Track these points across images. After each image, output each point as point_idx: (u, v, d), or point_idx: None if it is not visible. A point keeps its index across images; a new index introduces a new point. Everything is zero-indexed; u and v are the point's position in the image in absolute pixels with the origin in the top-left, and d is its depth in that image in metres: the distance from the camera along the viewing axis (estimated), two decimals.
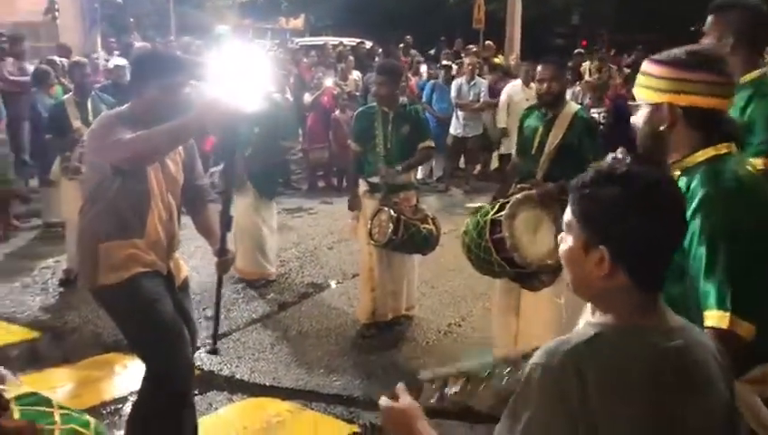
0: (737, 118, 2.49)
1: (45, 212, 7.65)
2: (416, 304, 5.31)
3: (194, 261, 5.91)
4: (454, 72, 10.31)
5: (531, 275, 3.73)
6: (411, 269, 5.12)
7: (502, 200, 3.81)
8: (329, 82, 10.35)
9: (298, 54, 13.32)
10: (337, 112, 9.76)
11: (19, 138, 8.10)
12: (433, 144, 5.16)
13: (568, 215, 1.45)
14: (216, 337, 3.45)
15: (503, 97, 9.26)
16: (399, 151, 4.85)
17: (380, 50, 13.88)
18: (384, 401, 1.55)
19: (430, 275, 5.97)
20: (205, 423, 3.55)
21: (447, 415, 3.75)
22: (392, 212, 4.61)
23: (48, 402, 1.67)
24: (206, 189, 3.41)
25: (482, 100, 9.77)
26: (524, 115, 4.43)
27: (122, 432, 3.26)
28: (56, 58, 9.16)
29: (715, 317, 1.78)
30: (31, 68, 8.50)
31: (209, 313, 5.22)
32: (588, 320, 1.46)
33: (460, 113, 9.81)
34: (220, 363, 4.47)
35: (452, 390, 1.66)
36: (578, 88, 9.81)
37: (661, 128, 1.93)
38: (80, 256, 3.06)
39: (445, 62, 10.94)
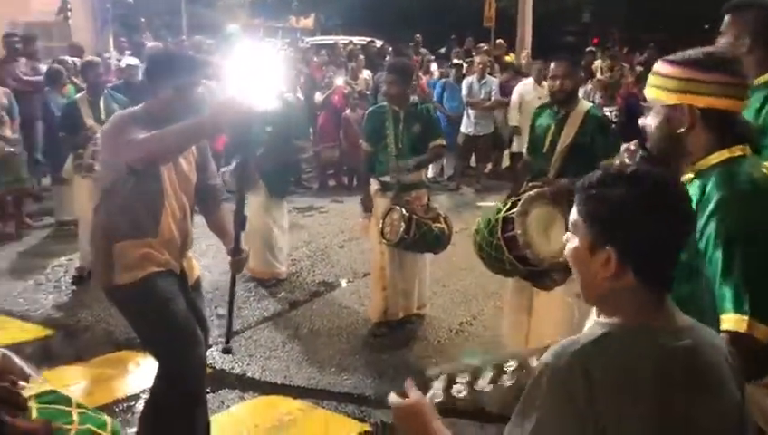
0: (752, 120, 2.46)
1: (58, 210, 7.70)
2: (427, 303, 5.30)
3: (206, 259, 5.93)
4: (464, 70, 10.29)
5: (542, 274, 3.71)
6: (423, 268, 5.11)
7: (513, 198, 3.80)
8: (339, 81, 10.35)
9: (308, 53, 13.33)
10: (347, 111, 9.76)
11: (32, 137, 8.15)
12: (444, 143, 5.15)
13: (574, 215, 1.45)
14: (229, 336, 3.45)
15: (514, 96, 9.23)
16: (411, 150, 4.84)
17: (391, 49, 13.86)
18: (394, 398, 1.55)
19: (442, 273, 5.96)
20: (217, 421, 3.56)
21: (459, 414, 3.75)
22: (404, 211, 4.61)
23: (67, 401, 1.68)
24: (220, 189, 3.42)
25: (493, 98, 9.75)
26: (536, 113, 4.41)
27: (135, 430, 3.28)
28: (68, 58, 9.21)
29: (731, 320, 1.76)
30: (43, 68, 8.55)
31: (221, 311, 5.24)
32: (595, 320, 1.45)
33: (471, 112, 9.79)
34: (232, 362, 4.49)
35: (460, 388, 1.65)
36: (589, 86, 9.77)
37: (680, 130, 1.90)
38: (94, 256, 3.06)
39: (455, 61, 10.92)
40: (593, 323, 1.45)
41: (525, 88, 9.13)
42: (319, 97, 10.16)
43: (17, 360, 1.67)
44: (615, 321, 1.40)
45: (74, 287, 5.93)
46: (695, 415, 1.32)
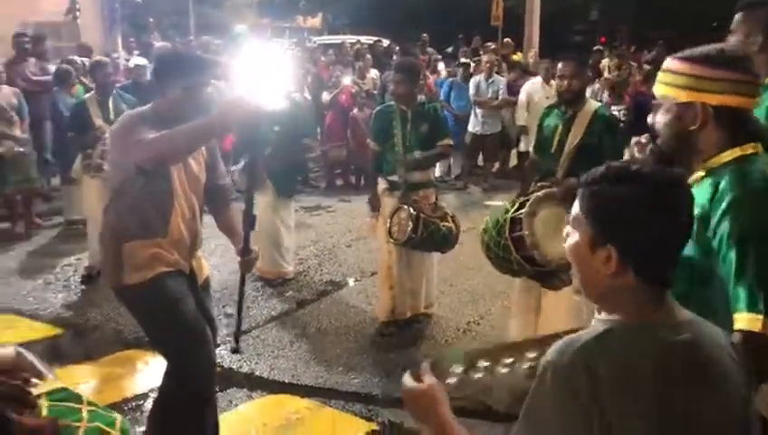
0: (763, 118, 2.45)
1: (67, 210, 7.74)
2: (435, 302, 5.30)
3: (214, 259, 5.95)
4: (472, 69, 10.28)
5: (550, 274, 3.70)
6: (430, 267, 5.11)
7: (522, 198, 3.79)
8: (347, 80, 10.36)
9: (316, 53, 13.34)
10: (355, 111, 9.77)
11: (41, 137, 8.19)
12: (452, 142, 5.15)
13: (576, 209, 1.44)
14: (238, 336, 3.46)
15: (522, 95, 9.22)
16: (418, 149, 4.84)
17: (398, 48, 13.87)
18: (407, 379, 1.53)
19: (449, 273, 5.96)
20: (225, 420, 3.57)
21: (468, 414, 3.76)
22: (412, 210, 4.61)
23: (78, 399, 1.69)
24: (229, 189, 3.42)
25: (500, 97, 9.74)
26: (544, 114, 4.40)
27: (144, 429, 3.30)
28: (77, 58, 9.25)
29: (745, 320, 1.75)
30: (52, 68, 8.59)
31: (229, 310, 5.26)
32: (596, 317, 1.46)
33: (478, 111, 9.78)
34: (240, 361, 4.50)
35: (477, 374, 1.65)
36: (597, 85, 9.74)
37: (692, 127, 1.89)
38: (103, 256, 3.07)
39: (463, 60, 10.91)
40: (594, 320, 1.46)
41: (533, 87, 9.11)
42: (326, 96, 10.18)
43: (31, 357, 1.68)
44: (616, 318, 1.40)
45: (83, 287, 5.96)
46: (696, 409, 1.33)
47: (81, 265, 6.34)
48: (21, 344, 1.73)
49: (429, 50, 13.85)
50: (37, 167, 7.77)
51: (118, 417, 1.72)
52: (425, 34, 14.47)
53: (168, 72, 2.96)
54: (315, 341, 4.92)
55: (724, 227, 1.78)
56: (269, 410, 4.02)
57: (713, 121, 1.87)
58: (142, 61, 9.23)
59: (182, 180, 2.99)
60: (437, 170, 8.72)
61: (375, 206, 5.08)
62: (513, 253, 3.61)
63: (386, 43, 14.79)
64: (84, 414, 1.64)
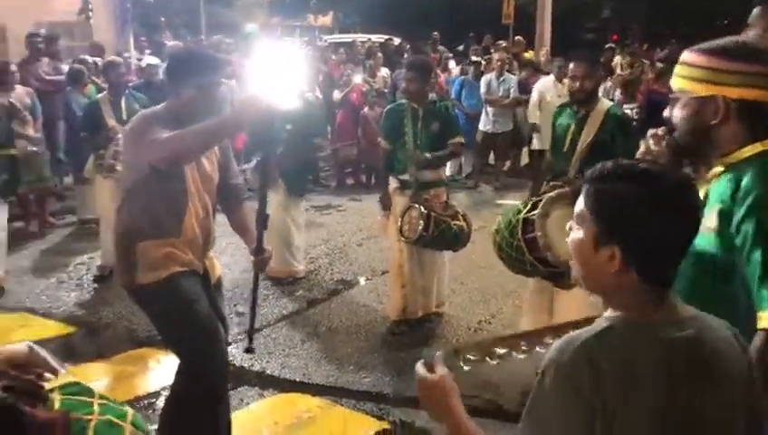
0: None
1: (80, 209, 7.79)
2: (446, 301, 5.30)
3: (225, 258, 5.97)
4: (483, 67, 10.26)
5: (563, 274, 3.68)
6: (442, 266, 5.11)
7: (534, 199, 3.78)
8: (357, 79, 10.36)
9: (327, 52, 13.35)
10: (366, 109, 9.77)
11: (54, 136, 8.24)
12: (463, 141, 5.13)
13: (580, 205, 1.43)
14: (251, 335, 3.46)
15: (534, 93, 9.17)
16: (429, 148, 4.83)
17: (408, 46, 13.85)
18: (420, 369, 1.53)
19: (460, 271, 5.95)
20: (237, 418, 3.58)
21: (478, 413, 3.75)
22: (423, 209, 4.60)
23: (90, 392, 1.70)
24: (242, 188, 3.41)
25: (512, 96, 9.71)
26: (557, 113, 4.39)
27: (155, 426, 3.31)
28: (88, 57, 9.30)
29: None
30: (65, 68, 8.63)
31: (241, 309, 5.28)
32: (603, 314, 1.45)
33: (489, 109, 9.76)
34: (251, 359, 4.51)
35: (494, 360, 1.65)
36: (609, 83, 9.69)
37: (712, 122, 1.85)
38: (116, 255, 3.06)
39: (474, 58, 10.89)
40: (599, 318, 1.45)
41: (545, 85, 9.07)
42: (337, 95, 10.18)
43: (44, 353, 1.69)
44: (618, 315, 1.40)
45: (96, 285, 6.00)
46: (699, 405, 1.33)
47: (93, 264, 6.38)
48: (34, 342, 1.74)
49: (440, 48, 13.83)
50: (50, 166, 7.81)
51: (129, 410, 1.73)
52: (436, 33, 14.44)
53: (182, 71, 2.96)
54: (326, 340, 4.93)
55: (749, 225, 1.75)
56: (280, 409, 4.03)
57: (734, 116, 1.83)
58: (154, 60, 9.28)
59: (195, 180, 2.99)
60: (448, 169, 8.71)
61: (386, 205, 5.08)
62: (526, 254, 3.60)
63: (397, 41, 14.78)
64: (96, 408, 1.66)
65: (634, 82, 9.48)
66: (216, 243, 3.35)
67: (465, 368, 1.61)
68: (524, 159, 10.56)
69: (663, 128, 2.07)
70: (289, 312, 5.44)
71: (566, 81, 5.04)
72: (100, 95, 6.61)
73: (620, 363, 1.31)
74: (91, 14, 13.30)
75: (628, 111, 7.77)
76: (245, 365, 4.47)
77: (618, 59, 11.90)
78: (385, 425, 3.83)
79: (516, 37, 14.04)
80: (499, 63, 9.93)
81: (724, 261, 1.80)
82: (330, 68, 11.53)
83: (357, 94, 10.09)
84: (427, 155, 4.80)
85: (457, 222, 4.72)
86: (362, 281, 6.15)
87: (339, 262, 6.63)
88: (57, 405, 1.62)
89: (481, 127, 9.82)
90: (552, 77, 9.07)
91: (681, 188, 1.36)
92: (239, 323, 5.02)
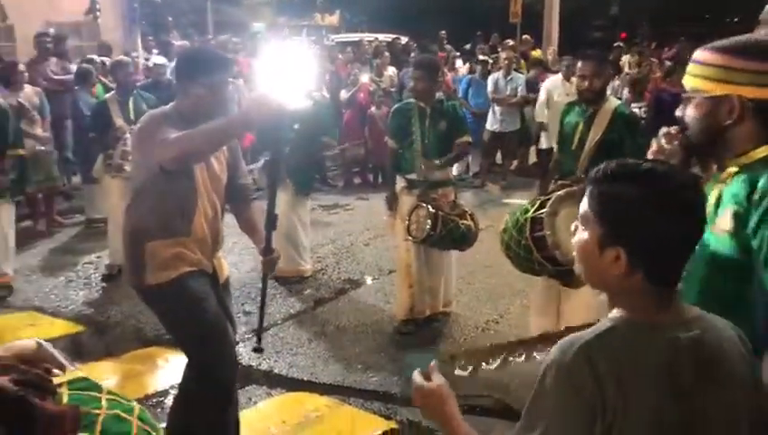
0: None
1: (88, 208, 7.82)
2: (453, 301, 5.29)
3: (232, 257, 5.98)
4: (490, 66, 10.23)
5: (572, 272, 3.66)
6: (449, 266, 5.09)
7: (542, 198, 3.76)
8: (364, 78, 10.36)
9: (334, 51, 13.35)
10: (373, 109, 9.77)
11: (62, 136, 8.28)
12: (470, 140, 5.12)
13: (584, 206, 1.42)
14: (260, 335, 3.46)
15: (542, 92, 9.15)
16: (437, 147, 4.82)
17: (415, 45, 13.84)
18: (417, 377, 1.56)
19: (467, 271, 5.94)
20: (245, 417, 3.58)
21: (487, 413, 3.74)
22: (430, 208, 4.59)
23: (98, 388, 1.72)
24: (250, 188, 3.41)
25: (519, 94, 9.69)
26: (565, 111, 4.37)
27: (164, 425, 3.32)
28: (96, 57, 9.33)
29: None
30: (73, 67, 8.66)
31: (248, 308, 5.29)
32: (607, 315, 1.45)
33: (497, 108, 9.74)
34: (259, 358, 4.51)
35: (491, 365, 1.65)
36: (617, 82, 9.65)
37: (727, 122, 1.81)
38: (125, 255, 3.06)
39: (481, 57, 10.86)
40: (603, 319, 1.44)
41: (553, 84, 9.04)
42: (344, 95, 10.18)
43: (52, 349, 1.71)
44: (621, 315, 1.39)
45: (104, 284, 6.02)
46: (701, 405, 1.32)
47: (101, 263, 6.40)
48: None
49: (447, 47, 13.81)
50: (58, 165, 7.85)
51: (136, 405, 1.75)
52: (443, 31, 14.42)
53: (191, 70, 2.95)
54: (334, 339, 4.93)
55: (766, 229, 1.71)
56: (288, 408, 4.03)
57: (749, 116, 1.79)
58: (161, 60, 9.31)
59: (204, 179, 2.99)
60: (455, 168, 8.70)
61: (391, 205, 5.07)
62: (534, 253, 3.59)
63: (404, 40, 14.76)
64: (104, 402, 1.67)
65: (642, 80, 9.43)
66: (223, 242, 3.35)
67: (462, 373, 1.61)
68: (532, 158, 10.53)
69: (676, 127, 2.04)
70: (296, 311, 5.44)
71: (574, 79, 5.02)
72: (108, 95, 6.64)
73: (621, 364, 1.30)
74: (98, 13, 13.37)
75: (636, 110, 7.74)
76: (253, 364, 4.48)
77: (626, 57, 11.85)
78: (393, 424, 3.83)
79: (524, 36, 14.02)
80: (506, 62, 9.91)
81: (739, 263, 1.77)
82: (337, 67, 11.53)
83: (364, 94, 10.09)
84: (437, 162, 4.78)
85: (465, 221, 4.71)
86: (369, 280, 6.14)
87: (346, 261, 6.63)
88: (65, 399, 1.64)
89: (488, 126, 9.80)
90: (560, 76, 9.04)
91: (685, 188, 1.35)
92: (246, 322, 5.03)
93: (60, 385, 1.67)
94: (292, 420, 3.87)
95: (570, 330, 1.58)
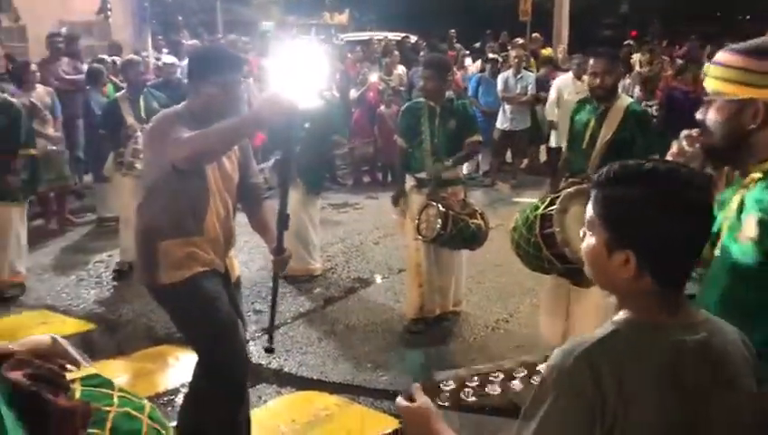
0: None
1: (99, 207, 7.86)
2: (463, 300, 5.28)
3: (242, 256, 5.99)
4: (499, 65, 10.21)
5: (581, 271, 3.66)
6: (459, 265, 5.08)
7: (552, 195, 3.76)
8: (374, 77, 10.36)
9: (343, 50, 13.36)
10: (382, 107, 9.77)
11: (73, 135, 8.32)
12: (481, 139, 5.11)
13: (590, 212, 1.41)
14: (272, 335, 3.45)
15: (552, 90, 9.12)
16: (446, 146, 4.82)
17: (425, 44, 13.82)
18: (400, 401, 1.55)
19: (477, 270, 5.93)
20: (255, 415, 3.59)
21: (494, 413, 3.74)
22: (440, 207, 4.58)
23: (110, 385, 1.73)
24: (261, 187, 3.41)
25: (529, 93, 9.66)
26: (576, 109, 4.36)
27: (174, 423, 3.33)
28: (106, 56, 9.37)
29: None
30: (84, 67, 8.71)
31: (258, 306, 5.31)
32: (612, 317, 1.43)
33: (507, 107, 9.71)
34: (269, 357, 4.51)
35: (468, 393, 1.64)
36: (627, 80, 9.60)
37: (751, 126, 1.76)
38: (138, 254, 3.07)
39: (491, 56, 10.83)
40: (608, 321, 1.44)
41: (563, 82, 9.01)
42: (354, 93, 10.19)
43: (66, 345, 1.72)
44: (627, 317, 1.38)
45: (115, 283, 6.05)
46: (705, 409, 1.31)
47: (113, 262, 6.43)
48: None
49: (457, 45, 13.78)
50: (70, 165, 7.89)
51: (147, 403, 1.76)
52: (452, 30, 14.39)
53: (204, 69, 2.95)
54: (343, 338, 4.93)
55: None
56: (298, 407, 4.04)
57: None
58: (172, 59, 9.34)
59: (217, 179, 2.99)
60: (465, 167, 8.69)
61: (397, 202, 5.07)
62: (544, 250, 3.58)
63: (413, 39, 14.75)
64: (115, 400, 1.69)
65: (654, 78, 9.38)
66: (235, 241, 3.36)
67: (442, 404, 1.61)
68: (543, 157, 10.50)
69: (697, 129, 1.99)
70: (306, 310, 5.45)
71: (585, 78, 5.01)
72: (118, 94, 6.67)
73: (623, 366, 1.29)
74: (109, 13, 13.45)
75: (647, 108, 7.70)
76: (263, 363, 4.48)
77: (637, 56, 11.78)
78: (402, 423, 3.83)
79: (534, 34, 13.97)
80: (516, 61, 9.88)
81: (763, 270, 1.73)
82: (346, 66, 11.53)
83: (373, 92, 10.09)
84: (447, 162, 4.78)
85: (475, 220, 4.70)
86: (379, 279, 6.14)
87: (355, 260, 6.63)
88: (78, 395, 1.65)
89: (498, 125, 9.77)
90: (570, 74, 9.00)
91: (690, 188, 1.32)
92: (257, 320, 5.04)
93: (73, 381, 1.69)
94: (302, 418, 3.88)
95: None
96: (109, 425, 1.60)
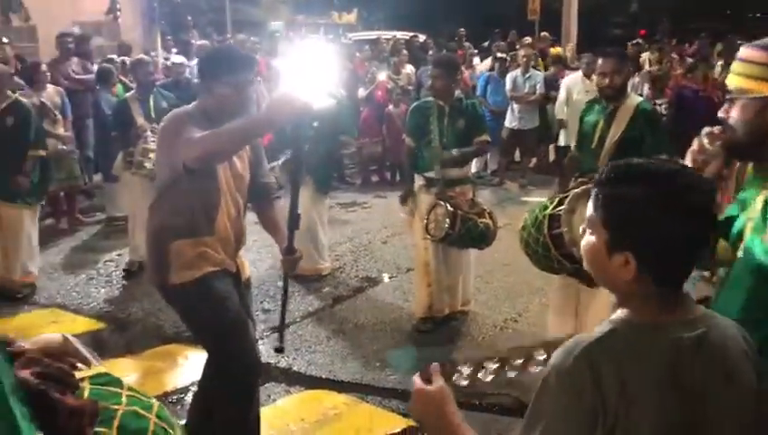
0: None
1: (109, 207, 7.89)
2: (471, 300, 5.27)
3: (251, 255, 5.99)
4: (507, 64, 10.18)
5: None
6: (467, 264, 5.08)
7: (560, 195, 3.75)
8: (382, 76, 10.35)
9: (351, 49, 13.36)
10: (390, 107, 9.76)
11: (83, 135, 8.36)
12: (489, 139, 5.10)
13: (590, 211, 1.41)
14: (282, 334, 3.46)
15: (562, 89, 9.08)
16: (455, 145, 4.81)
17: (433, 43, 13.80)
18: (417, 380, 1.52)
19: (485, 269, 5.92)
20: (264, 414, 3.59)
21: (503, 412, 3.73)
22: (449, 206, 4.58)
23: (119, 383, 1.74)
24: (272, 187, 3.41)
25: (538, 92, 9.63)
26: (585, 109, 4.35)
27: (184, 422, 3.34)
28: (115, 57, 9.40)
29: None
30: (94, 67, 8.74)
31: (266, 306, 5.32)
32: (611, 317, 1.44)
33: (515, 106, 9.68)
34: (278, 356, 4.52)
35: (487, 376, 1.63)
36: (637, 79, 9.56)
37: None
38: (149, 253, 3.08)
39: (499, 55, 10.81)
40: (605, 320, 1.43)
41: (572, 81, 8.97)
42: (362, 92, 10.18)
43: (77, 343, 1.73)
44: (626, 316, 1.38)
45: (125, 282, 6.08)
46: (706, 405, 1.31)
47: (122, 261, 6.46)
48: None
49: (466, 45, 13.76)
50: (79, 164, 7.93)
51: (155, 402, 1.76)
52: (461, 29, 14.37)
53: (216, 69, 2.95)
54: (352, 337, 4.94)
55: None
56: (307, 405, 4.06)
57: None
58: (181, 59, 9.37)
59: (228, 178, 3.00)
60: (474, 166, 8.67)
61: (405, 200, 5.07)
62: (553, 250, 3.57)
63: (422, 38, 14.73)
64: (124, 398, 1.69)
65: (663, 77, 9.34)
66: (246, 241, 3.37)
67: (462, 383, 1.59)
68: (552, 156, 10.47)
69: (719, 127, 1.95)
70: (315, 309, 5.46)
71: (594, 77, 4.99)
72: (128, 94, 6.70)
73: (624, 366, 1.29)
74: (118, 13, 13.50)
75: (657, 107, 7.67)
76: (272, 362, 4.49)
77: (646, 54, 11.73)
78: (411, 422, 3.82)
79: (542, 33, 13.93)
80: (525, 60, 9.85)
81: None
82: (354, 66, 11.53)
83: (382, 92, 10.08)
84: (454, 152, 4.77)
85: (484, 220, 4.69)
86: (387, 278, 6.14)
87: (364, 259, 6.63)
88: (86, 394, 1.66)
89: (507, 124, 9.75)
90: (579, 73, 8.96)
91: (690, 188, 1.32)
92: (265, 320, 5.05)
93: (82, 380, 1.69)
94: (311, 417, 3.89)
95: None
96: (116, 423, 1.61)
